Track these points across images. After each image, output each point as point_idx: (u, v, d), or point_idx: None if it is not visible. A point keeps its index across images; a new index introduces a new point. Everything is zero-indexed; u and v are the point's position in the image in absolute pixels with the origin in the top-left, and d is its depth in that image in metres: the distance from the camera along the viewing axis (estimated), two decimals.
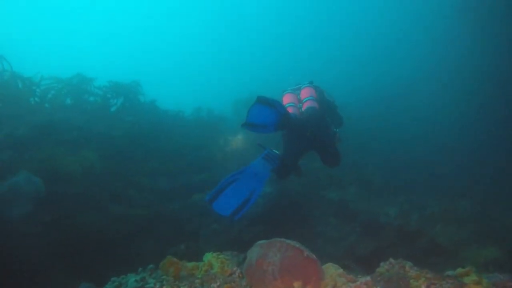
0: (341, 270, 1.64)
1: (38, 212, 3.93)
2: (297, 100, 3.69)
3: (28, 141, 4.22)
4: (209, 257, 2.11)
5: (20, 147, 4.10)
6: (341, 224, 5.35)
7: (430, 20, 17.97)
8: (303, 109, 3.55)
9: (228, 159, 7.46)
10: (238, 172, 3.01)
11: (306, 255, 1.54)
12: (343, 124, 3.86)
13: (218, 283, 1.67)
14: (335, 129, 3.76)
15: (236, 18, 37.61)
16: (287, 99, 3.65)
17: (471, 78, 11.80)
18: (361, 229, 4.77)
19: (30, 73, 5.93)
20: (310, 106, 3.53)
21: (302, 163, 7.92)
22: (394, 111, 12.14)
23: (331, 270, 1.66)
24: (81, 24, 42.01)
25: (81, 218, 4.60)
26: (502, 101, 10.05)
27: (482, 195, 6.13)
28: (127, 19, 43.40)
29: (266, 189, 6.30)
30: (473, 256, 3.94)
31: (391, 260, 1.64)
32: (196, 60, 40.23)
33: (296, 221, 5.69)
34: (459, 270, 1.45)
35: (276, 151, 3.22)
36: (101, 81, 7.25)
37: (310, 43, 29.03)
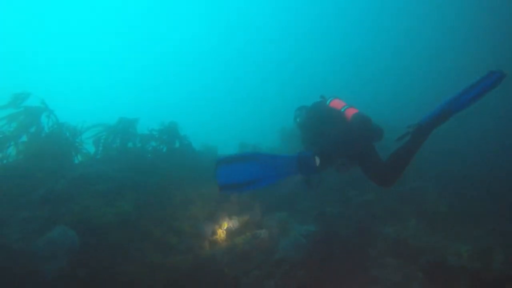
0: None
1: (73, 266, 3.95)
2: None
3: (66, 194, 4.41)
4: None
5: (59, 201, 4.29)
6: (401, 265, 4.53)
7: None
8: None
9: (272, 197, 7.09)
10: (264, 154, 2.92)
11: None
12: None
13: None
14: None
15: (276, 48, 38.92)
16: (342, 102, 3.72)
17: None
18: (424, 274, 3.93)
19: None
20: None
21: (354, 195, 7.16)
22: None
23: None
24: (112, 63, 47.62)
25: (118, 269, 4.55)
26: None
27: None
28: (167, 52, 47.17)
29: (310, 228, 5.74)
30: None
31: None
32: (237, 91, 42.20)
33: (348, 263, 4.98)
34: None
35: (318, 160, 3.01)
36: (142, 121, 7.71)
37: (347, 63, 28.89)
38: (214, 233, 5.91)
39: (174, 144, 7.76)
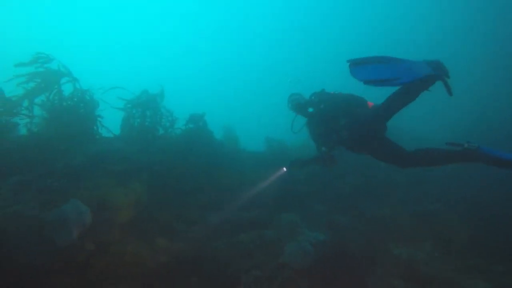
0: None
1: (82, 239, 4.08)
2: None
3: (82, 170, 4.54)
4: None
5: (75, 176, 4.43)
6: None
7: None
8: None
9: (284, 196, 6.99)
10: (396, 58, 2.96)
11: None
12: None
13: None
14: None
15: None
16: None
17: None
18: None
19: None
20: None
21: (368, 207, 6.89)
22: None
23: None
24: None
25: (124, 248, 4.67)
26: None
27: None
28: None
29: (319, 237, 5.61)
30: None
31: None
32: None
33: (352, 279, 4.84)
34: None
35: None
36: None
37: None
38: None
39: (197, 132, 7.74)
